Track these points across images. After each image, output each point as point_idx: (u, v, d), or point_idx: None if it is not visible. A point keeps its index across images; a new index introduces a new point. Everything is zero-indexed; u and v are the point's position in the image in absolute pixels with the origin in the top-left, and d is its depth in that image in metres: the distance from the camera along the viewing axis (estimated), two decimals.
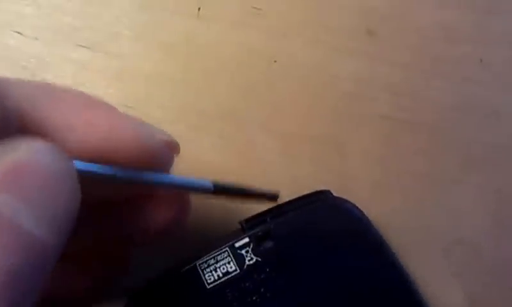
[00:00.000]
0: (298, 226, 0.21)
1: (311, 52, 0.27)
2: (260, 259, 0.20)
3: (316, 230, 0.21)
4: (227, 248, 0.20)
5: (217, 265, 0.20)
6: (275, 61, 0.27)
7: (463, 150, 0.26)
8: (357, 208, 0.23)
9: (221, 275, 0.20)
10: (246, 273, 0.20)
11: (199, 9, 0.27)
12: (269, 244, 0.21)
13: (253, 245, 0.20)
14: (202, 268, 0.20)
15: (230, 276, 0.20)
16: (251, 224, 0.21)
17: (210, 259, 0.20)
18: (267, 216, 0.22)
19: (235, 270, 0.20)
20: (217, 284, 0.20)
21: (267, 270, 0.20)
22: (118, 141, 0.16)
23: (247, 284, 0.20)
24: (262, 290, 0.20)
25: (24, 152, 0.13)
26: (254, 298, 0.20)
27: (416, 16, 0.28)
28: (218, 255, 0.20)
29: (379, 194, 0.25)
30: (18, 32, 0.27)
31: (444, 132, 0.26)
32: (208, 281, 0.20)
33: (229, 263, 0.20)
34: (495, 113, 0.26)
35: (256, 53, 0.27)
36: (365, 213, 0.23)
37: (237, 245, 0.20)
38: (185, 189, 0.19)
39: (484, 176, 0.25)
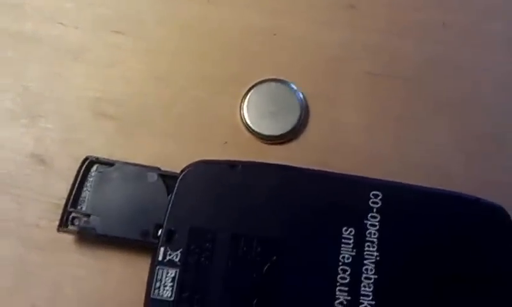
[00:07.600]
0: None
1: (303, 25, 0.31)
2: None
3: None
4: None
5: None
6: (275, 34, 0.31)
7: (432, 97, 0.30)
8: None
9: None
10: None
11: None
12: None
13: None
14: None
15: None
16: None
17: None
18: None
19: None
20: None
21: None
22: None
23: None
24: None
25: None
26: None
27: None
28: None
29: (367, 136, 0.29)
30: (61, 23, 0.31)
31: (416, 83, 0.30)
32: None
33: None
34: (456, 66, 0.30)
35: (258, 28, 0.31)
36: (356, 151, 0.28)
37: None
38: None
39: (451, 116, 0.29)
